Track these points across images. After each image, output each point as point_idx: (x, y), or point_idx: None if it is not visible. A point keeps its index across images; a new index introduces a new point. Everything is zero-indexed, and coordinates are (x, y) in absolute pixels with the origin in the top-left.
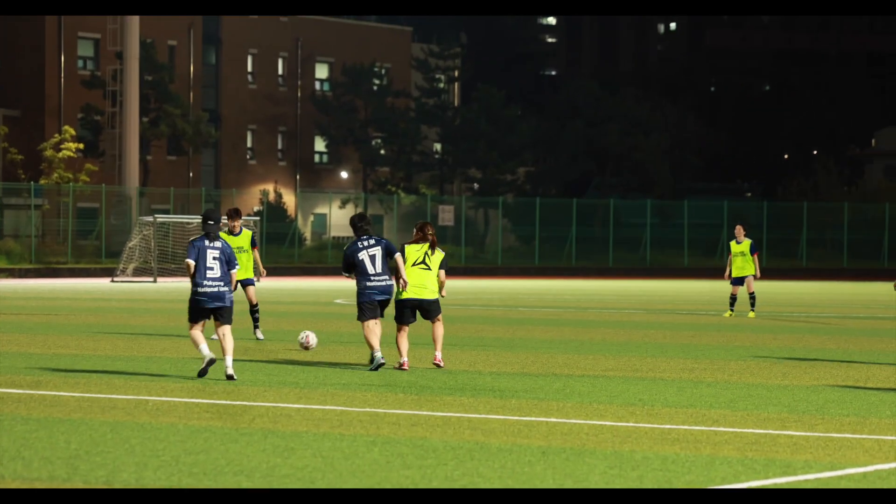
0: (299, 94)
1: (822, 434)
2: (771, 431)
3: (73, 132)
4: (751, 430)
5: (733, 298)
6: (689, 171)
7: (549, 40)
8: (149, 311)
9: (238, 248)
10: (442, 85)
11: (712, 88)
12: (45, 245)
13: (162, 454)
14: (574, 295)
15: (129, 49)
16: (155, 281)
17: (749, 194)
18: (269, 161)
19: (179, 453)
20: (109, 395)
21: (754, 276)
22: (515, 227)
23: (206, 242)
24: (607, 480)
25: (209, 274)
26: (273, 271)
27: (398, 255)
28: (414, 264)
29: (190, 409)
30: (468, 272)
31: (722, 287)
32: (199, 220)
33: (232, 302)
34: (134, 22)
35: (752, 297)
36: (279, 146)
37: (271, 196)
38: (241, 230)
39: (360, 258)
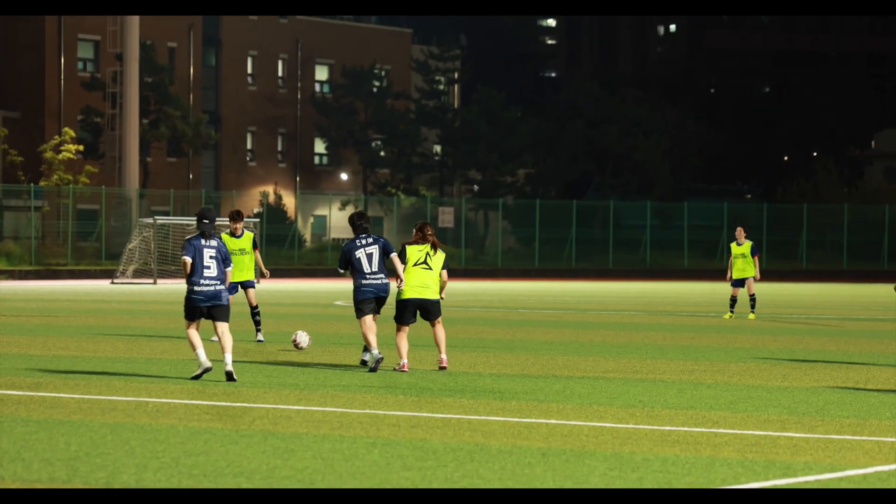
0: (299, 96)
1: (822, 436)
2: (771, 433)
3: (72, 134)
4: (751, 432)
5: (733, 300)
6: (689, 171)
7: (549, 41)
8: (149, 312)
9: (240, 249)
10: (442, 86)
11: (712, 89)
12: (44, 247)
13: (162, 456)
14: (574, 296)
15: (129, 51)
16: (155, 283)
17: (749, 195)
18: (269, 163)
19: (179, 455)
20: (109, 397)
21: (754, 278)
22: (515, 228)
23: (203, 241)
24: (607, 482)
25: (206, 273)
26: (273, 273)
27: (394, 255)
28: (415, 264)
29: (190, 410)
30: (468, 274)
31: (722, 289)
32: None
33: (228, 300)
34: (134, 23)
35: (752, 298)
36: (279, 148)
37: (271, 198)
38: (242, 232)
39: (357, 256)
